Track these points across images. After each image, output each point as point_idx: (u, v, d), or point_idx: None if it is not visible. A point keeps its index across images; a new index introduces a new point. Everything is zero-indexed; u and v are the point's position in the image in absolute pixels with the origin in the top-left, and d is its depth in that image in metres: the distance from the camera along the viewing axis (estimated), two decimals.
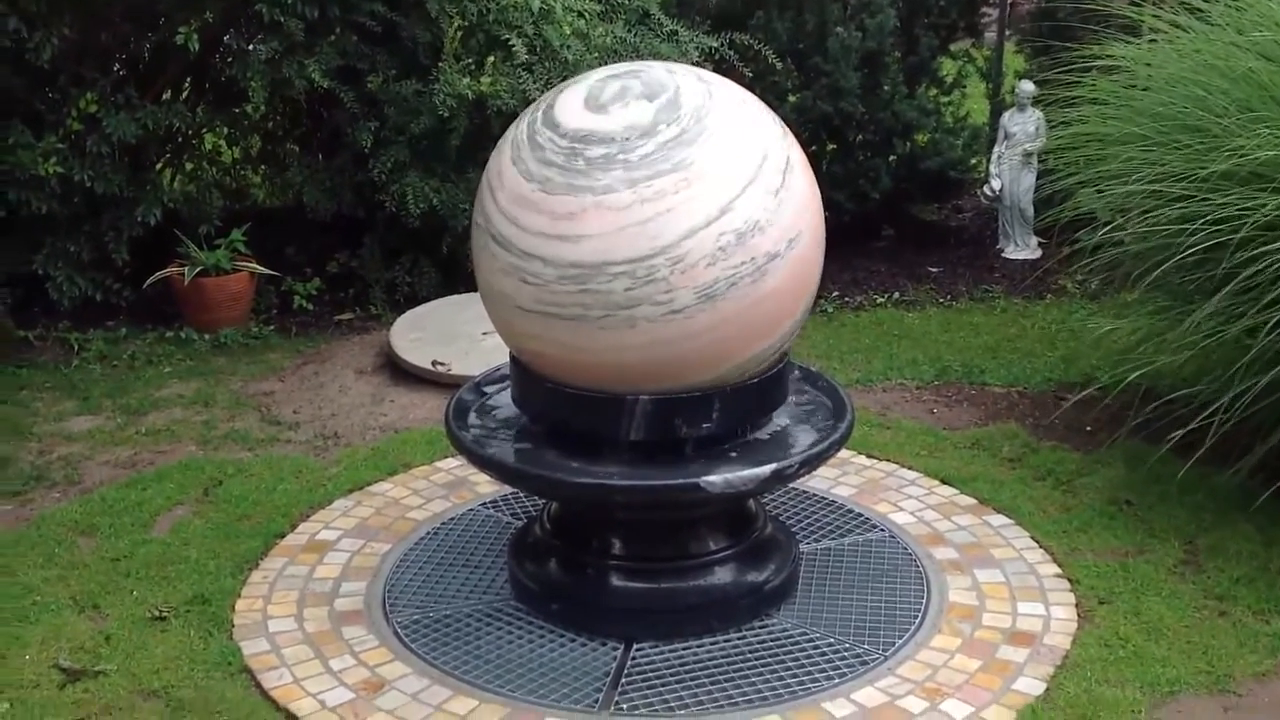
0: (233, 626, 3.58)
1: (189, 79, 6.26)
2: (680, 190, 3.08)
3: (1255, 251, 3.73)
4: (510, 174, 3.23)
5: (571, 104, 3.25)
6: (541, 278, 3.14)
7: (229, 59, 5.94)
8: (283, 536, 4.05)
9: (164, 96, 6.00)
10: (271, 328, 5.91)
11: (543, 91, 5.17)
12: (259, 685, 3.33)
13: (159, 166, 6.27)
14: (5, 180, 5.50)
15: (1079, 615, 3.58)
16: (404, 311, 5.80)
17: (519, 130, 3.31)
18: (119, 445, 4.75)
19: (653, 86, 3.22)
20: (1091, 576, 3.76)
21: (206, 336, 5.75)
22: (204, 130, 6.37)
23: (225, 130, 6.40)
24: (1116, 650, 3.41)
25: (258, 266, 5.92)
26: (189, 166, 6.52)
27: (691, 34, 5.99)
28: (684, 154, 3.11)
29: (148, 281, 5.83)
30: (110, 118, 5.58)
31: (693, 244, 3.08)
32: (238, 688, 3.32)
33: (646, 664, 3.37)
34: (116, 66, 6.05)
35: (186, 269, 5.74)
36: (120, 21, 5.85)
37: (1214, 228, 3.85)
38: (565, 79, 4.82)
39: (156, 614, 3.63)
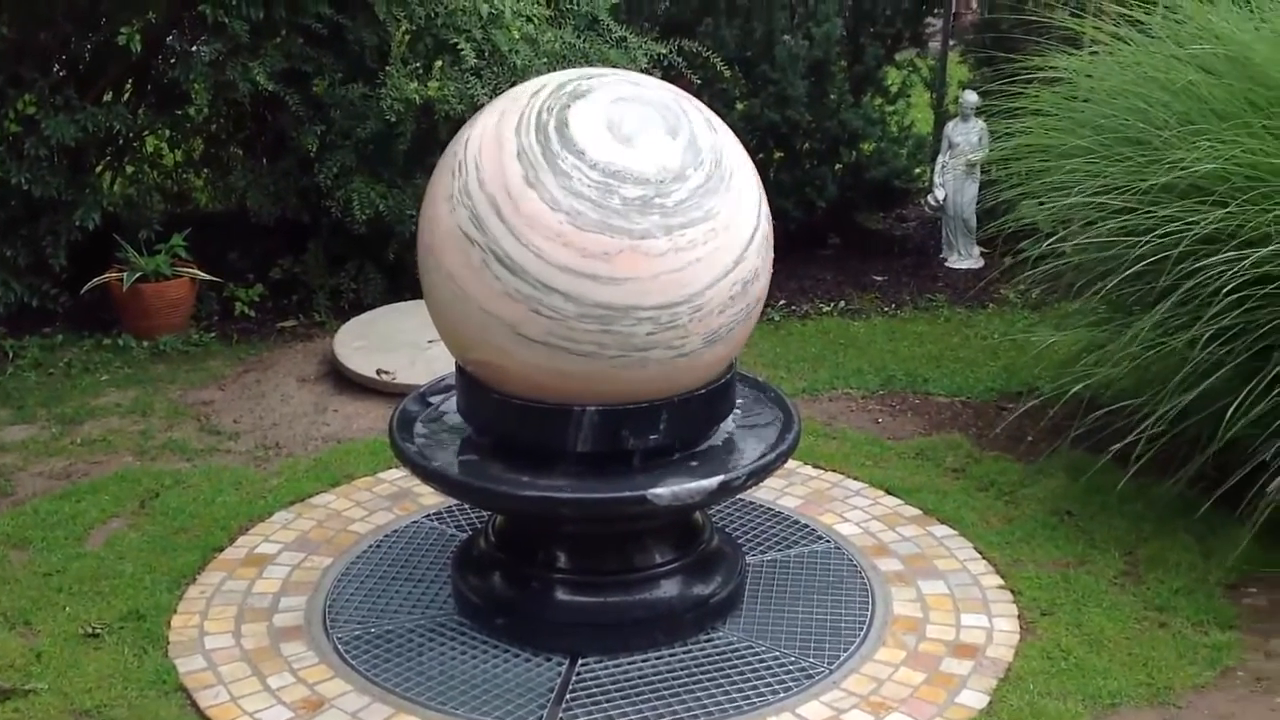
0: (168, 644, 3.52)
1: (130, 80, 6.17)
2: (709, 240, 3.13)
3: (1196, 266, 3.76)
4: (525, 195, 3.06)
5: (591, 128, 3.12)
6: (560, 313, 3.06)
7: (172, 60, 5.86)
8: (221, 550, 3.99)
9: (105, 98, 5.91)
10: (212, 335, 5.83)
11: (491, 97, 5.14)
12: (195, 704, 3.27)
13: (99, 169, 6.17)
14: None
15: (1021, 627, 3.60)
16: (348, 319, 5.74)
17: (524, 140, 3.10)
18: (53, 455, 4.67)
19: (669, 119, 3.19)
20: (1034, 588, 3.77)
21: (145, 344, 5.66)
22: (145, 133, 6.28)
23: (167, 133, 6.31)
24: (1059, 662, 3.43)
25: (199, 272, 5.84)
26: (129, 170, 6.42)
27: (640, 40, 5.97)
28: (712, 203, 3.14)
29: (85, 287, 5.74)
30: (49, 119, 5.49)
31: (713, 293, 3.15)
32: (173, 707, 3.26)
33: (591, 680, 3.35)
34: (56, 67, 5.95)
35: (125, 274, 5.66)
36: (60, 21, 5.75)
37: (1155, 241, 3.88)
38: (514, 84, 4.80)
39: (90, 631, 3.56)
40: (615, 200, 3.05)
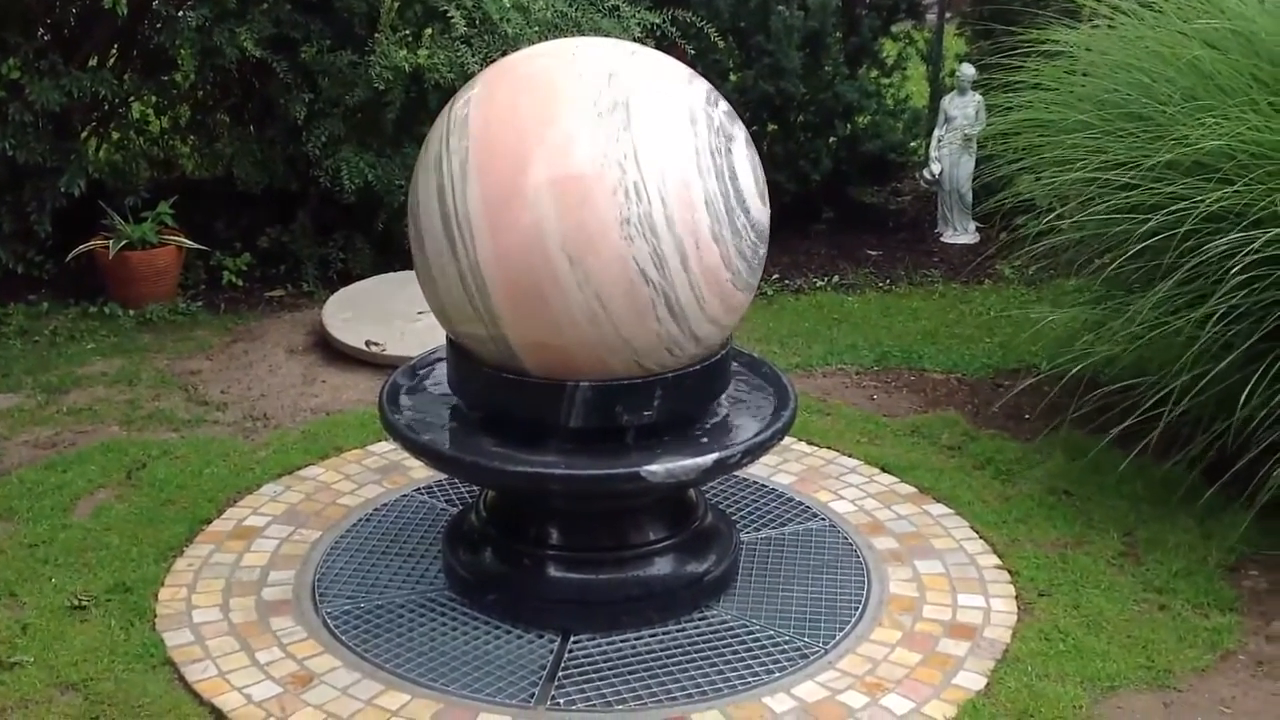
0: (155, 617, 3.47)
1: (116, 45, 6.08)
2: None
3: (1200, 244, 3.71)
4: (710, 248, 3.06)
5: (748, 181, 3.16)
6: (683, 352, 3.19)
7: (158, 25, 5.76)
8: (209, 522, 3.94)
9: (90, 63, 5.82)
10: (199, 304, 5.76)
11: (481, 66, 5.07)
12: (182, 678, 3.22)
13: (84, 135, 6.09)
14: None
15: (1019, 607, 3.56)
16: (337, 289, 5.68)
17: (709, 187, 3.03)
18: (39, 425, 4.60)
19: (761, 164, 3.30)
20: (1031, 568, 3.74)
21: (132, 312, 5.59)
22: (131, 99, 6.19)
23: (153, 99, 6.24)
24: (1057, 644, 3.39)
25: (185, 240, 5.77)
26: (115, 136, 6.35)
27: (633, 9, 5.89)
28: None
29: (71, 254, 5.67)
30: (34, 84, 5.42)
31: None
32: (160, 681, 3.21)
33: (584, 657, 3.31)
34: (41, 31, 5.86)
35: (111, 242, 5.59)
36: None
37: (1160, 218, 3.83)
38: (505, 53, 4.72)
39: (76, 603, 3.51)
40: (757, 261, 3.24)
